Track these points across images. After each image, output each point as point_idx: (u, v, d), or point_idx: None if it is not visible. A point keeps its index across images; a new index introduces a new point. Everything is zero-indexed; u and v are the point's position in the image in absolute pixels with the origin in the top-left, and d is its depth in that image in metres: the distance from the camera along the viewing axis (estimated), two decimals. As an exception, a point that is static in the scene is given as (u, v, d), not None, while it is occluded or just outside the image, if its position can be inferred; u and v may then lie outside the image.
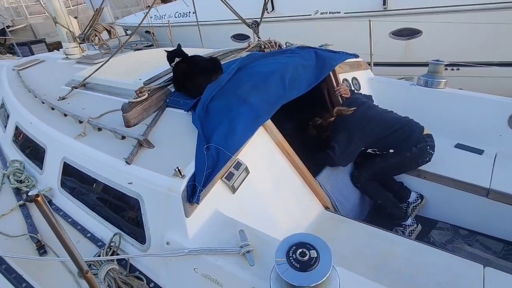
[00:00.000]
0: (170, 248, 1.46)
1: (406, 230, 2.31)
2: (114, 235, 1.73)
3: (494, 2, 4.77)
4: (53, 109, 2.37)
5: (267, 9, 6.32)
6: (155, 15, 8.09)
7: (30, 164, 2.55)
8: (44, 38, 11.74)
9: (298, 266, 1.03)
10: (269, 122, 1.86)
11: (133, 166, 1.64)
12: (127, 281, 1.55)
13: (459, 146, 2.59)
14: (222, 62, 2.16)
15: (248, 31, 4.16)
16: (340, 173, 2.38)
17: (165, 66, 2.19)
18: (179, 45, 2.15)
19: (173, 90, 2.11)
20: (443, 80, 2.85)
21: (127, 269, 1.65)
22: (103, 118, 2.05)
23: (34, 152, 2.49)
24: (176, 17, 7.97)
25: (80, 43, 3.75)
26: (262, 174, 1.79)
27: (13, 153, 2.80)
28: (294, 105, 2.16)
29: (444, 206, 2.41)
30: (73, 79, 2.71)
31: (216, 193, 1.55)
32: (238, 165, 1.64)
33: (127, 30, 9.49)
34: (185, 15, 7.76)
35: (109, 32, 3.65)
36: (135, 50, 3.88)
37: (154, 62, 2.53)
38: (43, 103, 2.53)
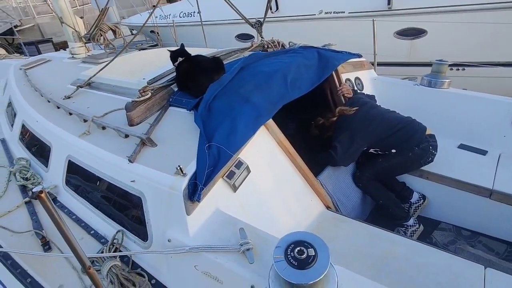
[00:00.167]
0: (171, 246, 1.48)
1: (408, 231, 2.30)
2: (117, 232, 1.76)
3: (499, 2, 4.72)
4: (58, 108, 2.41)
5: (271, 9, 6.33)
6: (160, 15, 8.13)
7: (36, 162, 2.59)
8: (51, 38, 11.84)
9: (296, 264, 1.04)
10: (271, 122, 1.87)
11: (135, 164, 1.66)
12: (129, 278, 1.57)
13: (462, 146, 2.58)
14: (225, 62, 2.18)
15: (253, 31, 4.17)
16: (342, 173, 2.38)
17: (169, 65, 2.22)
18: (182, 45, 2.17)
19: (176, 89, 2.13)
20: (447, 80, 2.83)
21: (129, 265, 1.68)
22: (107, 117, 2.08)
23: (40, 150, 2.53)
24: (181, 17, 8.01)
25: (85, 43, 3.79)
26: (263, 173, 1.80)
27: (20, 151, 2.84)
28: (296, 105, 2.16)
29: (446, 206, 2.40)
30: (78, 78, 2.75)
31: (217, 192, 1.56)
32: (239, 164, 1.65)
33: (133, 29, 9.55)
34: (190, 15, 7.79)
35: (114, 31, 3.69)
36: (140, 50, 3.91)
37: (159, 62, 2.55)
38: (49, 102, 2.57)
